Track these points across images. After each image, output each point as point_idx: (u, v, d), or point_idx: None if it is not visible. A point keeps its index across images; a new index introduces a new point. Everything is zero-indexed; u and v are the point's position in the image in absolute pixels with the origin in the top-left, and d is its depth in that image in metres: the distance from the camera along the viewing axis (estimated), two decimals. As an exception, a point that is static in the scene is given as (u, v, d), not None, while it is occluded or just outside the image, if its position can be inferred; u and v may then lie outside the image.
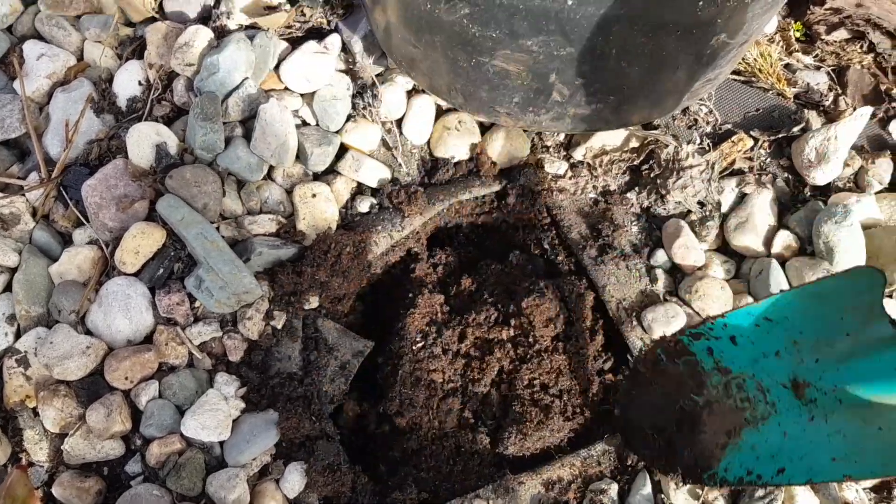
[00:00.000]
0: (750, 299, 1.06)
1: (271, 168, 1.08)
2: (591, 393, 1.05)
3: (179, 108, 1.09)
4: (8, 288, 1.02)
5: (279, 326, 1.02)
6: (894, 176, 1.12)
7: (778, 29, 1.26)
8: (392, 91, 1.13)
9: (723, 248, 1.14)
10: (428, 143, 1.17)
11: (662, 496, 0.97)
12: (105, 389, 0.96)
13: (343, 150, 1.12)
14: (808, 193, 1.12)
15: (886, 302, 0.96)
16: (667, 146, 1.12)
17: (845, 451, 0.79)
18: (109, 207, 1.01)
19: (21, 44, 1.15)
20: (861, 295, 0.80)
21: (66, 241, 1.07)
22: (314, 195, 1.06)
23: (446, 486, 1.00)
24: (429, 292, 1.09)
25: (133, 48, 1.14)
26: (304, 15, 1.14)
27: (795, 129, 1.12)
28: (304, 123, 1.12)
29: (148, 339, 1.00)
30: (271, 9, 1.14)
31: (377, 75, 1.14)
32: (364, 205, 1.12)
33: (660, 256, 1.12)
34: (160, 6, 1.16)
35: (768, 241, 1.09)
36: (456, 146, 1.15)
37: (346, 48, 1.14)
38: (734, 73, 1.20)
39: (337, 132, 1.12)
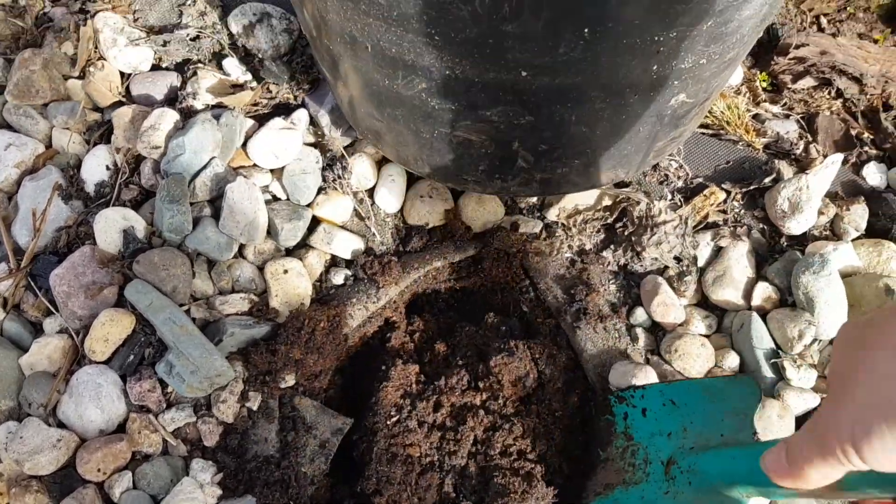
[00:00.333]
0: (733, 354, 1.05)
1: (242, 246, 1.08)
2: (571, 456, 1.03)
3: (147, 191, 1.09)
4: (-23, 382, 1.01)
5: (255, 408, 1.00)
6: (871, 222, 1.11)
7: (744, 80, 1.27)
8: (362, 162, 1.13)
9: (703, 302, 1.12)
10: (401, 211, 1.17)
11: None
12: (78, 483, 0.94)
13: (315, 222, 1.12)
14: (785, 244, 1.11)
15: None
16: (639, 203, 1.12)
17: None
18: (78, 295, 1.00)
19: (-11, 134, 1.15)
20: (741, 401, 0.93)
21: (37, 330, 1.05)
22: (286, 271, 1.05)
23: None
24: (402, 363, 1.07)
25: (100, 133, 1.15)
26: (270, 92, 1.15)
27: (767, 180, 1.12)
28: (275, 198, 1.11)
29: (121, 428, 0.98)
30: (237, 87, 1.15)
31: (346, 147, 1.14)
32: (338, 277, 1.11)
33: (639, 315, 1.10)
34: (127, 90, 1.16)
35: (748, 294, 1.08)
36: (429, 213, 1.15)
37: (313, 122, 1.15)
38: (702, 126, 1.20)
39: (308, 205, 1.11)
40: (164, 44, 1.19)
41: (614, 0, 0.69)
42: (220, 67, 1.18)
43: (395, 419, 1.04)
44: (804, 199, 1.07)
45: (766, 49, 1.29)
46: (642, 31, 0.74)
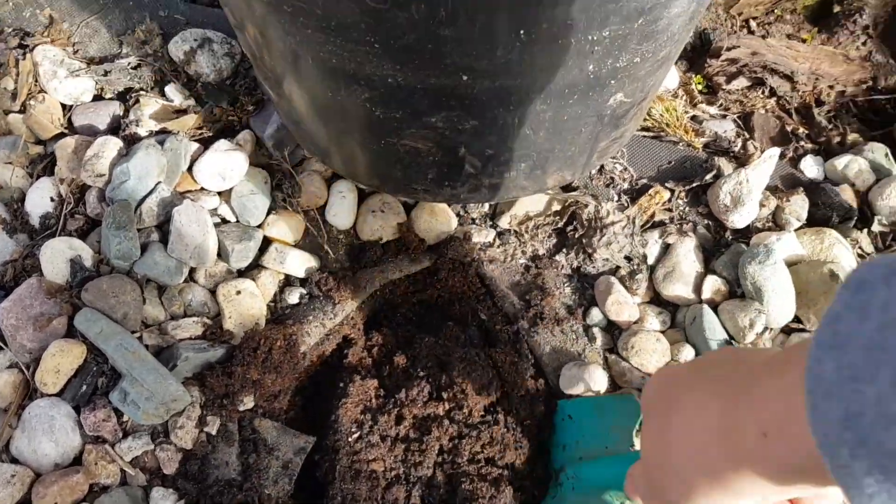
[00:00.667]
0: (688, 347, 1.06)
1: (192, 269, 1.07)
2: (537, 464, 1.03)
3: (94, 220, 1.08)
4: (-77, 424, 0.98)
5: (213, 432, 0.99)
6: (811, 212, 1.15)
7: (680, 84, 1.30)
8: (311, 180, 1.13)
9: (655, 299, 1.14)
10: (353, 227, 1.17)
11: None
12: (33, 520, 0.91)
13: (266, 243, 1.11)
14: (730, 237, 1.14)
15: None
16: (587, 206, 1.14)
17: None
18: (27, 328, 0.98)
19: (-72, 172, 1.13)
20: (623, 417, 0.99)
21: (-15, 367, 1.03)
22: (239, 292, 1.05)
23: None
24: (360, 378, 1.06)
25: (44, 165, 1.13)
26: (213, 114, 1.14)
27: (708, 177, 1.15)
28: (224, 221, 1.11)
29: (77, 461, 0.96)
30: (180, 112, 1.15)
31: (294, 166, 1.14)
32: (293, 296, 1.10)
33: (595, 315, 1.12)
34: (69, 121, 1.15)
35: (697, 288, 1.10)
36: (382, 227, 1.15)
37: (259, 143, 1.14)
38: (643, 129, 1.23)
39: (259, 226, 1.11)
40: (106, 73, 1.18)
41: (546, 1, 0.70)
42: (162, 94, 1.18)
43: (356, 435, 1.03)
44: (745, 192, 1.10)
45: (700, 53, 1.33)
46: (576, 31, 0.76)
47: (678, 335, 1.10)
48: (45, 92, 1.17)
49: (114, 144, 1.07)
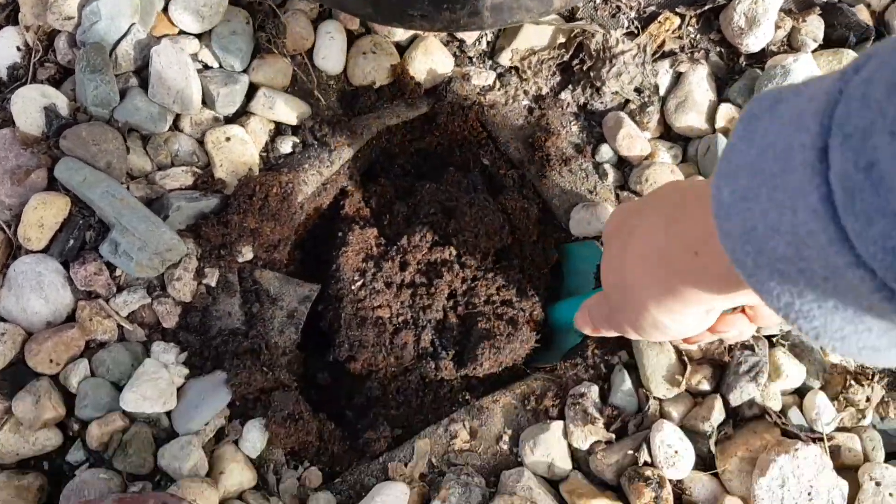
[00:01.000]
0: (701, 179, 1.02)
1: (178, 117, 1.00)
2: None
3: (66, 68, 1.00)
4: None
5: (213, 284, 0.94)
6: (827, 32, 1.08)
7: None
8: (296, 19, 1.05)
9: (666, 134, 1.09)
10: (344, 71, 1.09)
11: (643, 390, 0.92)
12: (30, 377, 0.87)
13: (253, 89, 1.04)
14: (744, 63, 1.08)
15: None
16: (594, 35, 1.07)
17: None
18: (4, 182, 0.91)
19: None
20: (585, 262, 1.01)
21: (-36, 230, 0.97)
22: (228, 139, 0.98)
23: (419, 419, 0.94)
24: (360, 228, 1.01)
25: (6, 14, 1.04)
26: (187, -51, 1.05)
27: (721, -1, 1.08)
28: (206, 67, 1.03)
29: (71, 319, 0.91)
30: (150, -52, 1.05)
31: (278, 5, 1.06)
32: (286, 145, 1.04)
33: (605, 152, 1.06)
34: (27, -37, 1.05)
35: (711, 117, 1.05)
36: (374, 71, 1.08)
37: (238, -22, 1.06)
38: (650, -48, 1.15)
39: (244, 71, 1.03)
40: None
41: None
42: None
43: (359, 283, 0.99)
44: (761, 11, 1.03)
45: None
46: None
47: (690, 168, 1.05)
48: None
49: (79, -16, 0.98)
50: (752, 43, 1.06)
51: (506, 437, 0.92)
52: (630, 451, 0.88)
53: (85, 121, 0.95)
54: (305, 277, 1.04)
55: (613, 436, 0.89)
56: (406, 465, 0.88)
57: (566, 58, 1.09)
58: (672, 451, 0.86)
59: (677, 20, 1.09)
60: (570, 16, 1.10)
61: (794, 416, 0.91)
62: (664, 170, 1.01)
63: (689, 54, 1.08)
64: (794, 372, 0.92)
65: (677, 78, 1.08)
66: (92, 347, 0.90)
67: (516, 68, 1.10)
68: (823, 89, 0.32)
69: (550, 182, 1.06)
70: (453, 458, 0.90)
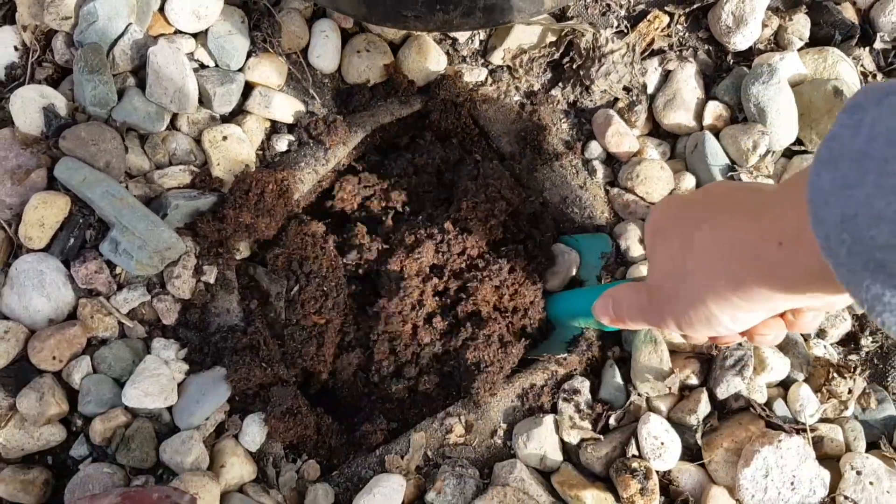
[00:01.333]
0: (689, 175, 1.04)
1: (175, 117, 1.01)
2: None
3: (63, 68, 1.01)
4: None
5: (211, 281, 0.96)
6: (813, 31, 1.10)
7: None
8: (291, 18, 1.06)
9: (654, 131, 1.11)
10: (339, 70, 1.11)
11: (631, 386, 0.94)
12: (33, 374, 0.89)
13: (249, 88, 1.05)
14: (732, 61, 1.10)
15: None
16: (584, 34, 1.08)
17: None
18: (4, 183, 0.93)
19: None
20: (594, 255, 1.03)
21: (-35, 229, 0.98)
22: (225, 137, 1.00)
23: (414, 412, 0.97)
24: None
25: (3, 14, 1.05)
26: (182, -51, 1.06)
27: (709, -2, 1.10)
28: (202, 66, 1.04)
29: (72, 316, 0.93)
30: (146, -52, 1.06)
31: (273, 4, 1.07)
32: (282, 143, 1.05)
33: (594, 148, 1.08)
34: (23, -37, 1.06)
35: (699, 115, 1.07)
36: (368, 69, 1.09)
37: (234, -21, 1.07)
38: (640, -49, 1.16)
39: (239, 70, 1.05)
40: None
41: None
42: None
43: (295, 289, 1.01)
44: (748, 10, 1.05)
45: None
46: None
47: (679, 165, 1.07)
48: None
49: (76, -16, 0.99)
50: (740, 41, 1.08)
51: (500, 431, 0.95)
52: (619, 444, 0.91)
53: (83, 121, 0.96)
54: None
55: (601, 437, 0.91)
56: (402, 457, 0.91)
57: (557, 56, 1.11)
58: (658, 443, 0.89)
59: (666, 18, 1.10)
60: (561, 15, 1.12)
61: (779, 408, 0.94)
62: (654, 166, 1.03)
63: (677, 52, 1.10)
64: (778, 365, 0.95)
65: (666, 76, 1.10)
66: (94, 344, 0.92)
67: (509, 66, 1.12)
68: None
69: (541, 176, 1.08)
70: (448, 451, 0.93)
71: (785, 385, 0.96)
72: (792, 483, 0.87)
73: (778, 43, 1.10)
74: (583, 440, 0.92)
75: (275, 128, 1.07)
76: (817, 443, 0.92)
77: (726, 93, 1.07)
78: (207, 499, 0.82)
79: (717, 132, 1.05)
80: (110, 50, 0.98)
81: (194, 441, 0.87)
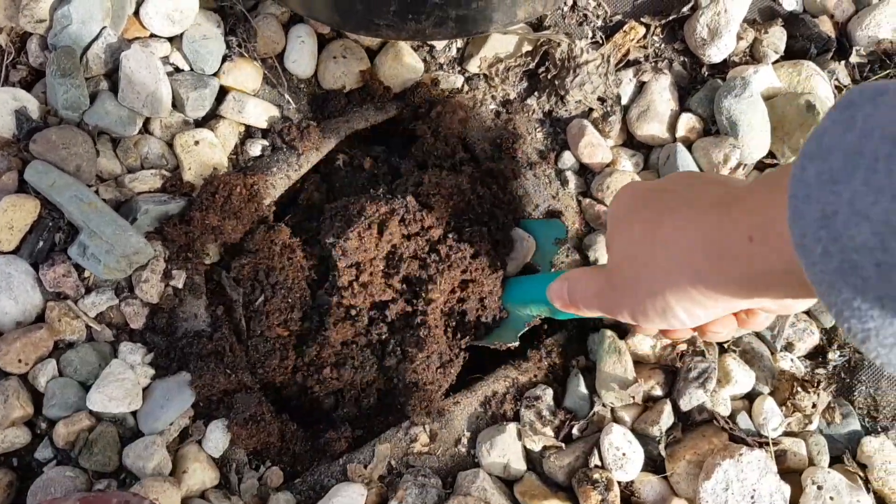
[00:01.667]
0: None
1: (148, 121, 1.01)
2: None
3: (38, 70, 1.01)
4: None
5: (180, 286, 0.96)
6: (789, 44, 1.11)
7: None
8: (267, 23, 1.07)
9: (629, 142, 1.12)
10: (315, 75, 1.11)
11: (595, 396, 0.95)
12: (-1, 376, 0.90)
13: (224, 92, 1.06)
14: (706, 73, 1.10)
15: None
16: (560, 45, 1.09)
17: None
18: (-26, 185, 0.93)
19: None
20: (547, 241, 1.02)
21: (-65, 229, 0.98)
22: (196, 142, 1.00)
23: (380, 420, 0.97)
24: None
25: (-22, 15, 1.05)
26: (158, -47, 1.06)
27: (685, 10, 1.10)
28: (177, 70, 1.05)
29: (40, 319, 0.93)
30: (122, -49, 1.06)
31: (249, 10, 1.07)
32: (255, 148, 1.06)
33: (567, 159, 1.09)
34: (0, -36, 1.06)
35: (672, 127, 1.07)
36: (344, 75, 1.10)
37: (210, -17, 1.07)
38: (618, -38, 1.16)
39: (214, 74, 1.05)
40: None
41: None
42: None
43: (260, 299, 1.00)
44: (723, 23, 1.05)
45: None
46: None
47: (652, 176, 1.08)
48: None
49: (51, -13, 0.99)
50: (714, 53, 1.08)
51: (464, 440, 0.95)
52: (582, 453, 0.91)
53: (55, 124, 0.96)
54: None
55: (563, 445, 0.92)
56: (366, 466, 0.91)
57: (532, 66, 1.11)
58: (621, 454, 0.89)
59: (642, 30, 1.11)
60: (538, 24, 1.12)
61: (743, 421, 0.94)
62: (625, 178, 1.04)
63: (652, 64, 1.10)
64: (743, 378, 0.95)
65: (640, 87, 1.10)
66: (60, 348, 0.92)
67: (485, 75, 1.12)
68: None
69: (515, 184, 1.08)
70: (412, 461, 0.93)
71: (750, 398, 0.97)
72: (752, 497, 0.88)
73: (753, 55, 1.10)
74: (545, 448, 0.93)
75: (249, 132, 1.07)
76: (780, 456, 0.93)
77: (700, 105, 1.07)
78: (167, 504, 0.83)
79: (689, 144, 1.06)
80: (84, 53, 0.98)
81: (157, 446, 0.87)
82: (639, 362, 0.96)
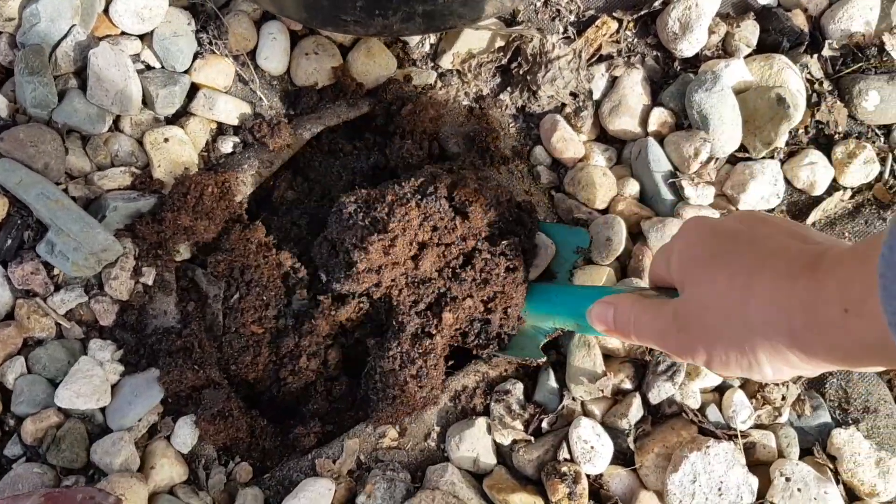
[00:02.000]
0: (633, 181, 1.05)
1: (118, 118, 1.01)
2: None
3: (7, 69, 1.01)
4: None
5: (150, 282, 0.96)
6: (762, 38, 1.11)
7: None
8: (239, 21, 1.07)
9: (601, 137, 1.12)
10: (288, 72, 1.11)
11: (565, 391, 0.95)
12: (-33, 374, 0.90)
13: (196, 89, 1.06)
14: (679, 67, 1.10)
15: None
16: (531, 40, 1.09)
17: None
18: (-58, 183, 0.93)
19: None
20: (568, 250, 0.98)
21: None
22: (166, 139, 1.00)
23: (350, 415, 0.97)
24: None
25: (-51, 13, 1.05)
26: (127, -49, 1.06)
27: (657, 4, 1.10)
28: (149, 67, 1.05)
29: (10, 317, 0.93)
30: (91, -51, 1.06)
31: (221, 7, 1.07)
32: (227, 145, 1.06)
33: (539, 153, 1.09)
34: (-30, -37, 1.06)
35: (644, 121, 1.07)
36: (316, 71, 1.10)
37: (180, -19, 1.07)
38: (590, -44, 1.16)
39: (185, 72, 1.05)
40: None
41: None
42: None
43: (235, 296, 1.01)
44: (694, 17, 1.05)
45: None
46: None
47: (624, 171, 1.08)
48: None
49: (20, -15, 0.99)
50: (686, 48, 1.08)
51: (434, 435, 0.95)
52: (551, 447, 0.92)
53: (24, 122, 0.96)
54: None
55: (532, 438, 0.92)
56: (334, 461, 0.91)
57: (504, 61, 1.11)
58: (589, 447, 0.89)
59: (615, 24, 1.11)
60: (511, 20, 1.12)
61: (713, 414, 0.94)
62: (597, 172, 1.04)
63: (625, 58, 1.10)
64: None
65: (612, 82, 1.10)
66: (30, 345, 0.93)
67: (458, 70, 1.12)
68: None
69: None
70: (381, 455, 0.93)
71: (720, 391, 0.97)
72: (719, 489, 0.88)
73: (726, 49, 1.10)
74: (515, 442, 0.93)
75: (221, 129, 1.07)
76: (749, 449, 0.93)
77: (672, 99, 1.07)
78: (134, 500, 0.83)
79: (661, 139, 1.06)
80: (53, 51, 0.98)
81: (124, 442, 0.87)
82: (609, 356, 0.96)
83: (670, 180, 1.02)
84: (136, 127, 1.02)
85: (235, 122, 1.06)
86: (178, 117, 1.05)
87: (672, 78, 1.10)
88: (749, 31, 1.10)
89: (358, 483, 0.91)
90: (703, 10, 1.06)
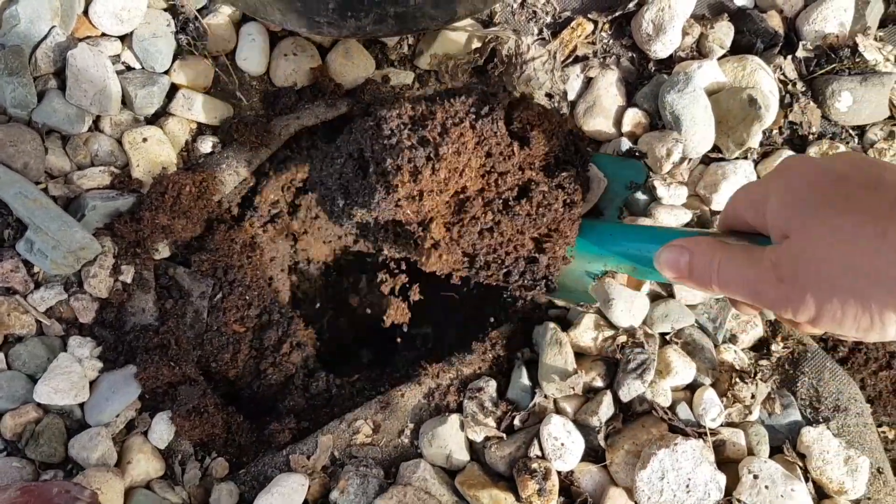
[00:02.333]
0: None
1: (98, 118, 1.03)
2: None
3: (-12, 70, 1.02)
4: None
5: (129, 280, 0.98)
6: (736, 39, 1.12)
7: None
8: (218, 22, 1.08)
9: (579, 136, 1.13)
10: (266, 72, 1.12)
11: (537, 388, 0.96)
12: (-54, 370, 0.91)
13: (175, 90, 1.07)
14: (653, 69, 1.11)
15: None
16: (507, 41, 1.10)
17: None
18: (-77, 182, 0.94)
19: None
20: (624, 181, 0.96)
21: None
22: (145, 139, 1.01)
23: (325, 412, 0.99)
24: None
25: (-68, 14, 1.06)
26: (108, -47, 1.07)
27: (631, 6, 1.11)
28: (129, 68, 1.06)
29: (-10, 314, 0.95)
30: (72, -49, 1.07)
31: (200, 8, 1.09)
32: (206, 145, 1.07)
33: (516, 153, 1.10)
34: (-48, -35, 1.08)
35: (618, 122, 1.08)
36: (295, 72, 1.11)
37: (160, -17, 1.08)
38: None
39: (165, 72, 1.06)
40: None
41: None
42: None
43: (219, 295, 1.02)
44: (667, 18, 1.07)
45: None
46: None
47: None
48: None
49: (0, -13, 1.01)
50: (660, 49, 1.09)
51: (408, 431, 0.96)
52: (522, 444, 0.93)
53: (4, 122, 0.98)
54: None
55: (504, 435, 0.93)
56: (308, 457, 0.93)
57: (481, 62, 1.12)
58: (559, 444, 0.91)
59: (590, 26, 1.12)
60: (488, 21, 1.13)
61: (683, 412, 0.96)
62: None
63: (600, 59, 1.11)
64: (683, 369, 0.96)
65: (588, 83, 1.11)
66: (10, 342, 0.94)
67: (435, 71, 1.14)
68: None
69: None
70: (355, 451, 0.95)
71: (691, 389, 0.98)
72: (687, 486, 0.89)
73: (700, 51, 1.11)
74: (487, 438, 0.94)
75: (201, 129, 1.09)
76: (719, 446, 0.94)
77: (646, 100, 1.08)
78: (109, 494, 0.84)
79: (635, 139, 1.07)
80: (33, 52, 0.99)
81: (102, 437, 0.89)
82: (581, 354, 0.98)
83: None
84: (115, 127, 1.03)
85: (215, 122, 1.08)
86: (158, 117, 1.06)
87: (646, 79, 1.11)
88: (723, 33, 1.11)
89: (331, 479, 0.93)
90: (676, 11, 1.07)
